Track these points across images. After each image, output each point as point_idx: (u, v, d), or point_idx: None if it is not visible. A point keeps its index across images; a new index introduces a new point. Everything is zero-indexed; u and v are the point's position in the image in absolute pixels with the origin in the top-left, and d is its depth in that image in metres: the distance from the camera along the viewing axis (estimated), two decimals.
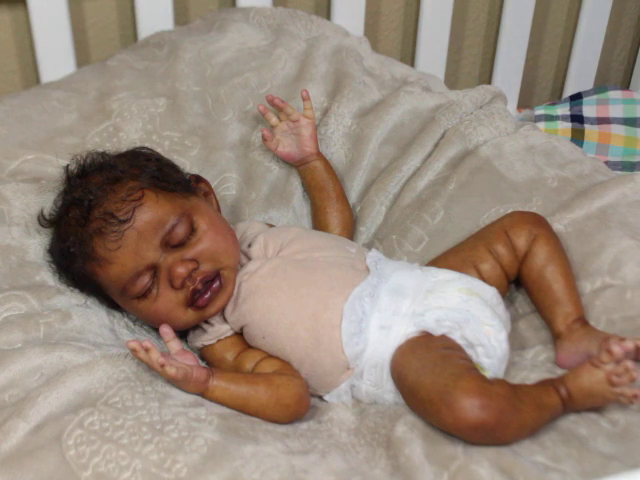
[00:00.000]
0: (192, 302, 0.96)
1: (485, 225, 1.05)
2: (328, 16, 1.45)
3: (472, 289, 0.96)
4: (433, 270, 1.00)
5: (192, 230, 0.97)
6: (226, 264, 0.98)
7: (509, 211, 1.07)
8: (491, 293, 0.97)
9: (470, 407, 0.82)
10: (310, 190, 1.16)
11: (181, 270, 0.95)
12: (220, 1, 1.43)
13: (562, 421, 0.85)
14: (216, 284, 0.97)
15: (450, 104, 1.22)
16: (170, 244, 0.96)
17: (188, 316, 0.97)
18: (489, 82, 1.67)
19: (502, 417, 0.82)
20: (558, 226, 1.04)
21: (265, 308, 0.97)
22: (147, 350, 0.87)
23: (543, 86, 1.78)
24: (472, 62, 1.71)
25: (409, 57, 1.60)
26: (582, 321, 0.95)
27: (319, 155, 1.15)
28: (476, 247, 1.01)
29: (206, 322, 1.01)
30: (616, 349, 0.85)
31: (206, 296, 0.96)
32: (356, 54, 1.30)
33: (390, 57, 1.39)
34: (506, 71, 1.64)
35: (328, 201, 1.14)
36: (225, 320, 1.00)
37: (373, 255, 1.02)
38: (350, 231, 1.15)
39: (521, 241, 0.99)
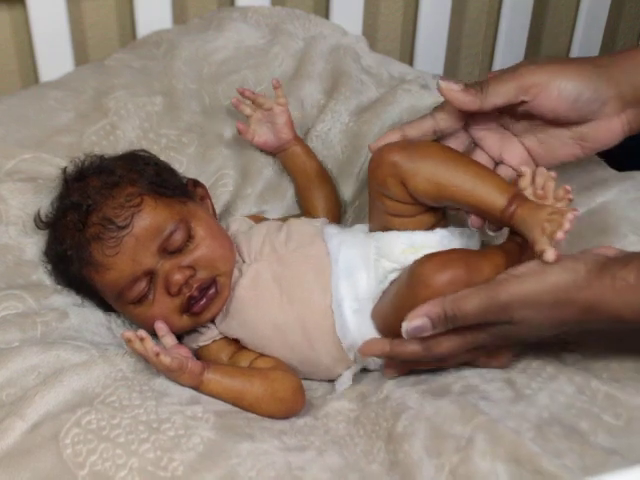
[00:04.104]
0: (188, 308, 0.97)
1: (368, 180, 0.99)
2: (327, 16, 1.45)
3: (414, 245, 0.94)
4: (375, 234, 0.97)
5: (189, 237, 0.97)
6: (222, 271, 0.98)
7: None
8: (437, 238, 0.94)
9: (436, 269, 0.84)
10: (292, 175, 1.16)
11: (178, 277, 0.95)
12: (219, 1, 1.43)
13: (564, 414, 0.84)
14: (212, 291, 0.97)
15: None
16: (167, 250, 0.96)
17: (183, 322, 0.98)
18: None
19: (469, 262, 0.84)
20: None
21: (254, 323, 0.97)
22: (142, 340, 0.87)
23: None
24: (471, 62, 1.71)
25: (408, 57, 1.60)
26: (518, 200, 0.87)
27: (297, 140, 1.15)
28: (380, 215, 0.96)
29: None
30: (524, 168, 0.89)
31: (202, 302, 0.97)
32: (354, 52, 1.30)
33: (389, 57, 1.39)
34: None
35: (311, 184, 1.14)
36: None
37: (327, 233, 1.01)
38: (337, 212, 1.15)
39: (400, 194, 0.92)
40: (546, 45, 1.75)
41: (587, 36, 1.67)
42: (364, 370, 0.99)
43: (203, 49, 1.27)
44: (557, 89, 0.90)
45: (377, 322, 0.93)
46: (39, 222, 1.04)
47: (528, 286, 0.80)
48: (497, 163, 1.01)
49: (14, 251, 1.03)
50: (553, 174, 0.89)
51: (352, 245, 0.97)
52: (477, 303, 0.82)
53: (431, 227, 0.95)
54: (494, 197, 0.87)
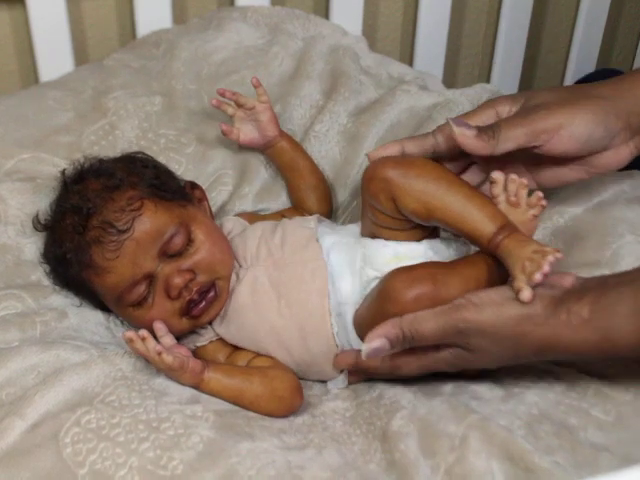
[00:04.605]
0: (187, 311, 0.97)
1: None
2: (326, 16, 1.45)
3: (398, 255, 0.93)
4: (363, 240, 0.97)
5: (189, 240, 0.97)
6: (222, 274, 0.98)
7: None
8: (422, 249, 0.94)
9: (403, 286, 0.85)
10: (282, 171, 1.16)
11: (178, 281, 0.95)
12: (219, 1, 1.43)
13: (553, 410, 0.85)
14: (211, 294, 0.97)
15: (447, 102, 1.22)
16: (167, 254, 0.96)
17: (182, 324, 0.98)
18: (488, 82, 1.67)
19: (437, 278, 0.85)
20: (558, 219, 1.04)
21: (252, 327, 0.98)
22: (143, 339, 0.87)
23: (542, 85, 1.78)
24: (471, 62, 1.71)
25: (408, 57, 1.60)
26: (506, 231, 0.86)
27: (282, 135, 1.14)
28: (369, 224, 0.96)
29: None
30: (496, 175, 0.88)
31: (201, 305, 0.97)
32: (353, 53, 1.30)
33: (389, 57, 1.39)
34: (505, 71, 1.64)
35: (301, 179, 1.14)
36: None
37: (322, 232, 1.01)
38: (328, 203, 1.15)
39: (390, 209, 0.92)
40: (546, 45, 1.75)
41: (587, 36, 1.67)
42: None
43: (202, 49, 1.27)
44: (569, 133, 0.90)
45: (356, 328, 0.94)
46: (37, 224, 1.04)
47: (485, 316, 0.81)
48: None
49: (13, 251, 1.03)
50: (525, 181, 0.89)
51: (341, 250, 0.97)
52: (434, 326, 0.83)
53: (419, 239, 0.95)
54: (483, 225, 0.87)
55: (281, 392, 0.92)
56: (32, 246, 1.04)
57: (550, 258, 0.79)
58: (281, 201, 1.17)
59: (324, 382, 1.00)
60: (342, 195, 1.19)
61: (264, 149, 1.16)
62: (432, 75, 1.45)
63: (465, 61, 1.70)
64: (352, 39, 1.35)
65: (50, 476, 0.80)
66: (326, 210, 1.14)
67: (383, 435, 0.85)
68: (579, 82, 1.69)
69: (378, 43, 1.58)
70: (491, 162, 0.97)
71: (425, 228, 0.94)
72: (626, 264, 0.97)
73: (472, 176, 1.00)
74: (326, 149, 1.20)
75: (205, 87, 1.24)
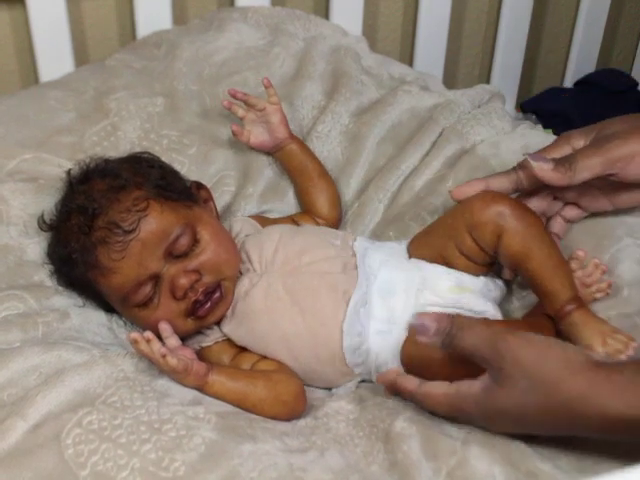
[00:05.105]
0: (193, 312, 0.97)
1: (452, 212, 0.99)
2: (327, 16, 1.45)
3: (462, 285, 0.95)
4: (419, 263, 0.98)
5: (195, 241, 0.97)
6: (227, 275, 0.98)
7: None
8: (481, 284, 0.97)
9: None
10: (291, 174, 1.17)
11: (184, 281, 0.95)
12: (219, 1, 1.43)
13: None
14: (217, 295, 0.97)
15: (448, 103, 1.22)
16: (173, 254, 0.96)
17: (188, 325, 0.98)
18: (488, 82, 1.67)
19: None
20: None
21: (262, 332, 0.97)
22: (148, 341, 0.87)
23: (542, 86, 1.78)
24: (471, 62, 1.71)
25: (408, 57, 1.61)
26: (579, 302, 0.91)
27: (292, 138, 1.15)
28: (447, 246, 0.97)
29: None
30: (581, 253, 0.96)
31: (207, 306, 0.97)
32: (354, 53, 1.30)
33: (389, 57, 1.40)
34: (505, 71, 1.64)
35: (310, 182, 1.14)
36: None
37: (358, 247, 1.01)
38: (337, 207, 1.15)
39: (487, 241, 0.94)
40: (546, 45, 1.75)
41: (587, 36, 1.67)
42: (363, 380, 0.99)
43: (204, 50, 1.27)
44: None
45: (406, 357, 0.93)
46: (42, 224, 1.04)
47: (526, 351, 0.79)
48: (566, 204, 1.02)
49: (15, 251, 1.03)
50: (604, 267, 0.95)
51: (396, 268, 0.98)
52: (477, 336, 0.82)
53: (478, 275, 0.97)
54: (563, 289, 0.90)
55: (285, 397, 0.92)
56: (35, 247, 1.04)
57: (635, 344, 0.84)
58: (286, 201, 1.17)
59: (329, 389, 1.00)
60: (345, 197, 1.18)
61: (273, 151, 1.16)
62: (433, 76, 1.45)
63: (465, 61, 1.70)
64: (353, 39, 1.35)
65: (52, 477, 0.79)
66: (335, 214, 1.14)
67: (386, 436, 0.85)
68: (579, 82, 1.70)
69: (378, 43, 1.58)
70: (568, 190, 0.99)
71: (487, 267, 0.97)
72: (625, 267, 0.98)
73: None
74: (328, 149, 1.20)
75: (207, 88, 1.24)
